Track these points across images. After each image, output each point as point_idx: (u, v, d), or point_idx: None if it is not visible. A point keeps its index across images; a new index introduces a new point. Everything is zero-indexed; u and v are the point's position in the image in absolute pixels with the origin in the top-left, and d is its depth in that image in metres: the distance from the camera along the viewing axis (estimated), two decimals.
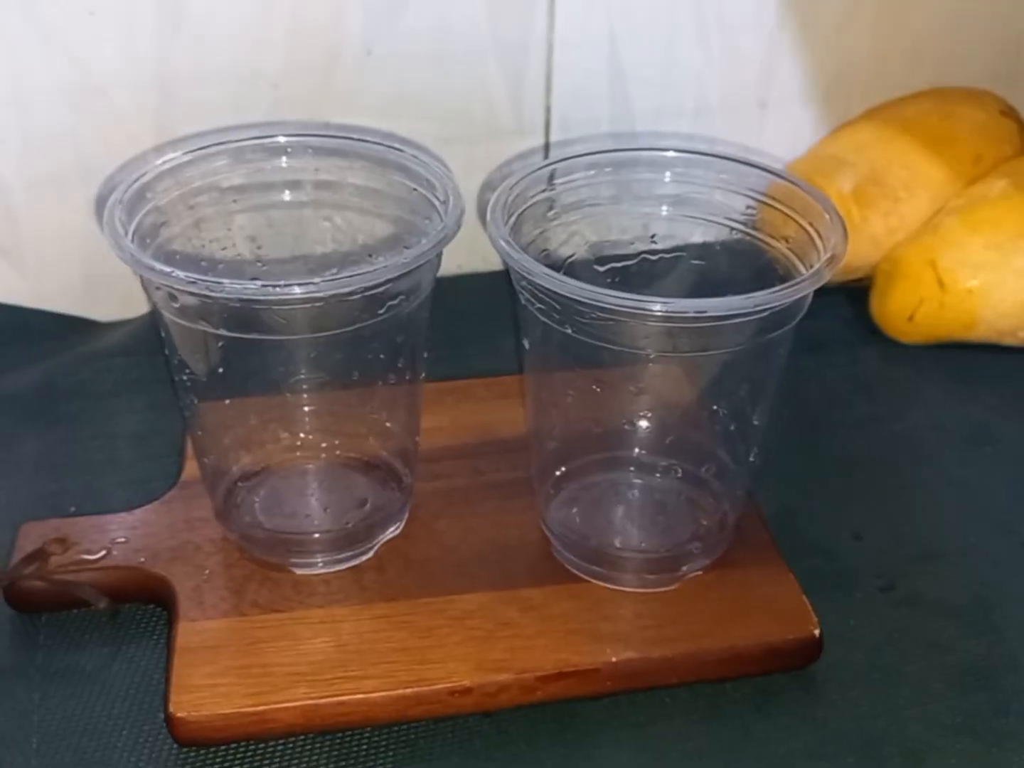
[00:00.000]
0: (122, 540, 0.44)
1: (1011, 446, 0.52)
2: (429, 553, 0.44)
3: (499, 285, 0.59)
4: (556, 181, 0.42)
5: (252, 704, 0.38)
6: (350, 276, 0.35)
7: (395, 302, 0.38)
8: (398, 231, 0.43)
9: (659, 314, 0.35)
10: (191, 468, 0.47)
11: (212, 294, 0.35)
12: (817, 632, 0.41)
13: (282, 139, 0.43)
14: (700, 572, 0.43)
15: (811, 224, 0.40)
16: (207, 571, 0.43)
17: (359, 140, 0.43)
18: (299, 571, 0.43)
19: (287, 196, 0.44)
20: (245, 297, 0.35)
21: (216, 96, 0.54)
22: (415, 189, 0.42)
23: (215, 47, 0.53)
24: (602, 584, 0.43)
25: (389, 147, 0.43)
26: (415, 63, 0.57)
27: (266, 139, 0.43)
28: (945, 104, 0.63)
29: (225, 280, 0.35)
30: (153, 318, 0.58)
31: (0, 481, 0.49)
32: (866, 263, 0.60)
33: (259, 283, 0.35)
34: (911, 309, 0.57)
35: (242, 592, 0.42)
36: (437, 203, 0.41)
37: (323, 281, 0.35)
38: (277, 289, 0.35)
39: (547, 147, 0.63)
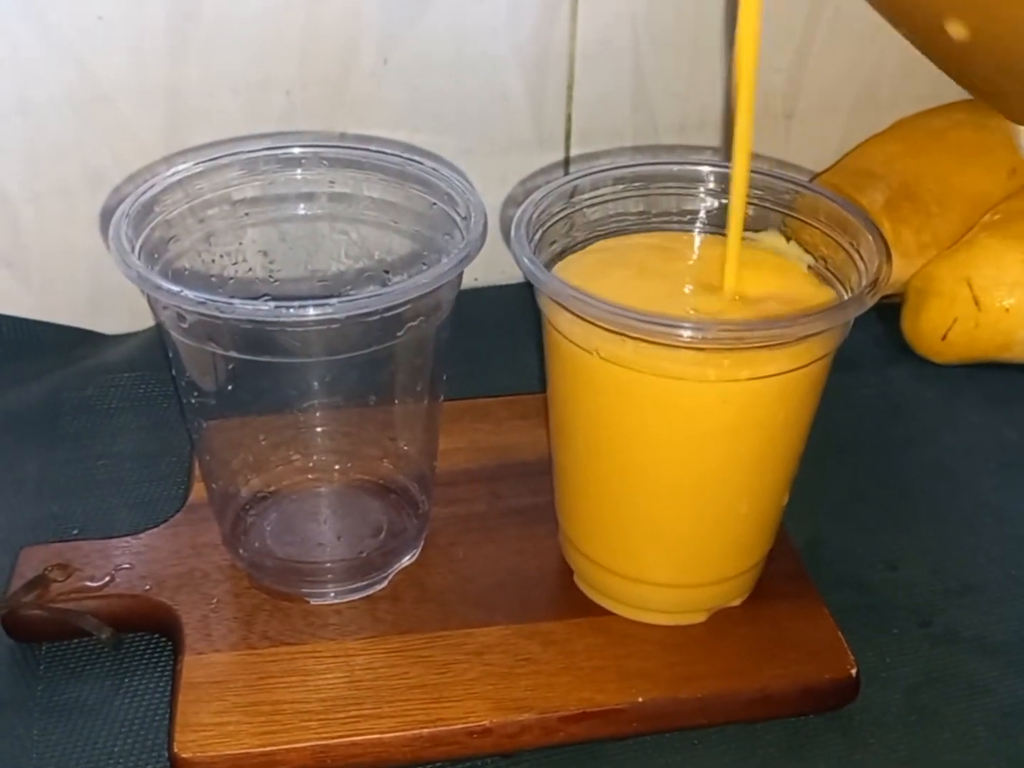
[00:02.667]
0: (126, 566, 0.42)
1: None
2: (446, 583, 0.42)
3: (518, 298, 0.57)
4: (583, 196, 0.40)
5: (261, 744, 0.36)
6: (368, 297, 0.33)
7: (415, 323, 0.36)
8: (416, 247, 0.41)
9: (688, 336, 0.33)
10: (199, 490, 0.46)
11: (222, 315, 0.33)
12: (854, 672, 0.39)
13: (296, 150, 0.41)
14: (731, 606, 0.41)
15: (851, 243, 0.38)
16: (215, 600, 0.41)
17: (376, 152, 0.41)
18: (312, 601, 0.41)
19: (301, 209, 0.42)
20: (257, 319, 0.33)
21: (227, 105, 0.52)
22: (435, 204, 0.40)
23: (227, 54, 0.51)
24: (625, 616, 0.41)
25: (408, 159, 0.41)
26: (432, 72, 0.55)
27: (279, 150, 0.41)
28: (977, 115, 0.61)
29: (236, 300, 0.33)
30: (160, 333, 0.57)
31: (0, 502, 0.47)
32: (897, 280, 0.57)
33: (272, 304, 0.33)
34: (945, 328, 0.55)
35: (251, 623, 0.40)
36: (458, 219, 0.39)
37: (339, 303, 0.33)
38: (291, 311, 0.33)
39: (567, 160, 0.61)
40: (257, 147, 0.41)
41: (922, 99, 0.63)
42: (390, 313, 0.35)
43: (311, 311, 0.33)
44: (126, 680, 0.40)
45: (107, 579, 0.42)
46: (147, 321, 0.58)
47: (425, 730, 0.37)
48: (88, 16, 0.50)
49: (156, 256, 0.38)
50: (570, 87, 0.59)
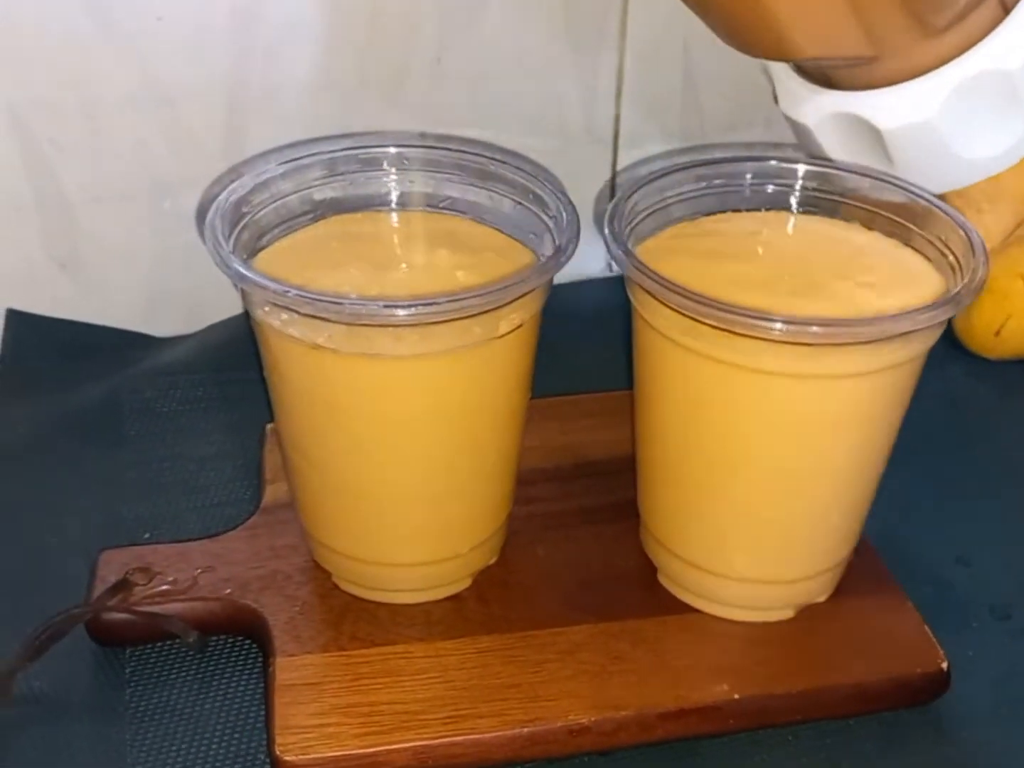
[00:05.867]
0: (208, 569, 0.42)
1: None
2: (530, 582, 0.42)
3: (571, 296, 0.57)
4: (668, 194, 0.40)
5: (362, 746, 0.36)
6: (474, 296, 0.33)
7: (513, 320, 0.36)
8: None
9: (780, 329, 0.33)
10: (272, 492, 0.45)
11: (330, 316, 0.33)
12: (945, 665, 0.39)
13: (377, 150, 0.41)
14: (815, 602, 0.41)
15: (947, 246, 0.38)
16: (300, 602, 0.41)
17: (457, 151, 0.41)
18: (399, 600, 0.41)
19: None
20: (365, 320, 0.33)
21: (288, 107, 0.52)
22: (520, 203, 0.40)
23: (289, 55, 0.51)
24: (711, 613, 0.41)
25: (490, 159, 0.41)
26: (487, 71, 0.55)
27: (360, 150, 0.41)
28: None
29: (345, 300, 0.33)
30: (217, 332, 0.57)
31: (69, 504, 0.47)
32: None
33: (380, 303, 0.33)
34: (998, 324, 0.56)
35: (339, 624, 0.40)
36: (546, 218, 0.39)
37: (447, 301, 0.33)
38: (400, 312, 0.33)
39: (615, 159, 0.61)
40: (337, 147, 0.41)
41: None
42: (491, 310, 0.34)
43: (418, 308, 0.33)
44: (214, 683, 0.40)
45: (190, 583, 0.41)
46: (199, 323, 0.57)
47: (525, 729, 0.37)
48: (148, 17, 0.50)
49: (246, 257, 0.38)
50: (619, 85, 0.59)
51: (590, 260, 0.60)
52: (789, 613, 0.41)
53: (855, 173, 0.41)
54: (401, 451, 0.37)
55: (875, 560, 0.43)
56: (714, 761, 0.38)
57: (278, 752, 0.36)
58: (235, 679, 0.40)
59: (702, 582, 0.40)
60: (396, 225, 0.41)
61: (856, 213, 0.41)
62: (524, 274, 0.35)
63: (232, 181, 0.39)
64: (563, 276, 0.36)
